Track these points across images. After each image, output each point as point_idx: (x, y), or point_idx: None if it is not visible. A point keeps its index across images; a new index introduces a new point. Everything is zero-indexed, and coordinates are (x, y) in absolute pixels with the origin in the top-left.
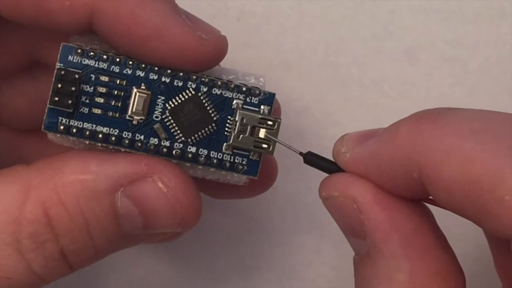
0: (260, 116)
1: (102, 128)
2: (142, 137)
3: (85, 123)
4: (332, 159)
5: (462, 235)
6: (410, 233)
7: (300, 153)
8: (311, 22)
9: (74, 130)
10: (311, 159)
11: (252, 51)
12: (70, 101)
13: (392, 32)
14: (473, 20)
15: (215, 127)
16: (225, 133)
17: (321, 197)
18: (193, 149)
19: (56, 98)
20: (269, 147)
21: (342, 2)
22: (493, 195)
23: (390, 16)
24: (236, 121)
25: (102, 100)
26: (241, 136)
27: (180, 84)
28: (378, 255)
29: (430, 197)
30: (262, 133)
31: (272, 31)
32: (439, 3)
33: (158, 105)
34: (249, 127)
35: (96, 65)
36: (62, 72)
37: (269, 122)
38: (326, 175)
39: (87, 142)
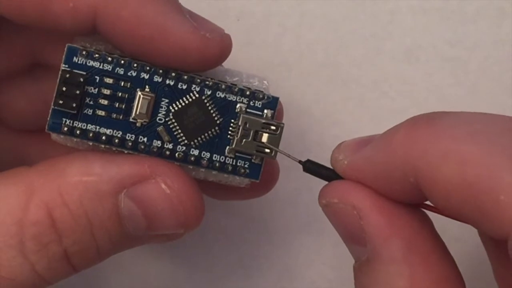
0: (263, 121)
1: (105, 129)
2: (145, 139)
3: (88, 125)
4: (331, 166)
5: (461, 235)
6: (410, 238)
7: (299, 162)
8: (311, 22)
9: (78, 132)
10: (310, 167)
11: (252, 51)
12: (74, 104)
13: (392, 32)
14: (473, 20)
15: (218, 131)
16: (228, 136)
17: (321, 205)
18: (196, 152)
19: (61, 101)
20: (271, 151)
21: (342, 2)
22: (489, 196)
23: (390, 16)
24: (239, 126)
25: (106, 102)
26: (243, 140)
27: (184, 87)
28: (378, 261)
29: (428, 203)
30: (265, 137)
31: (272, 31)
32: (439, 3)
33: (162, 107)
34: (252, 132)
35: (101, 67)
36: (67, 75)
37: (272, 127)
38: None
39: (90, 144)
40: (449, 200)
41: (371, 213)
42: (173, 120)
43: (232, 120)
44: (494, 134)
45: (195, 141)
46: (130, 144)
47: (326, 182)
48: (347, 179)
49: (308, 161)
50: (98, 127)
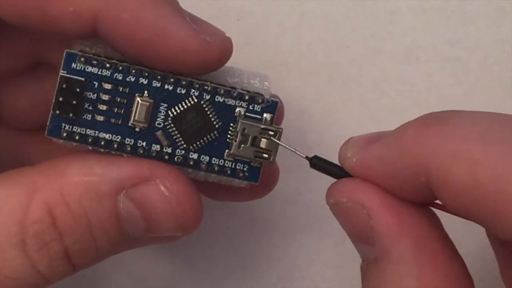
0: (262, 127)
1: (104, 134)
2: (144, 143)
3: (87, 130)
4: (338, 162)
5: (468, 235)
6: (419, 238)
7: (306, 157)
8: (311, 22)
9: (77, 137)
10: (317, 163)
11: (252, 51)
12: (73, 110)
13: (392, 32)
14: (473, 20)
15: (217, 134)
16: (227, 140)
17: (328, 204)
18: (195, 156)
19: (60, 107)
20: (269, 156)
21: (342, 2)
22: (501, 197)
23: (390, 16)
24: (237, 132)
25: (105, 107)
26: (242, 146)
27: (183, 91)
28: (386, 260)
29: (437, 202)
30: (263, 143)
31: (272, 31)
32: (439, 3)
33: (160, 112)
34: (250, 138)
35: (99, 73)
36: (66, 81)
37: (271, 132)
38: (331, 178)
39: (90, 148)
40: (459, 200)
41: (380, 212)
42: (172, 125)
43: (231, 124)
44: (505, 133)
45: (194, 145)
46: (129, 148)
47: (328, 182)
48: (356, 177)
49: (315, 157)
50: (97, 132)
